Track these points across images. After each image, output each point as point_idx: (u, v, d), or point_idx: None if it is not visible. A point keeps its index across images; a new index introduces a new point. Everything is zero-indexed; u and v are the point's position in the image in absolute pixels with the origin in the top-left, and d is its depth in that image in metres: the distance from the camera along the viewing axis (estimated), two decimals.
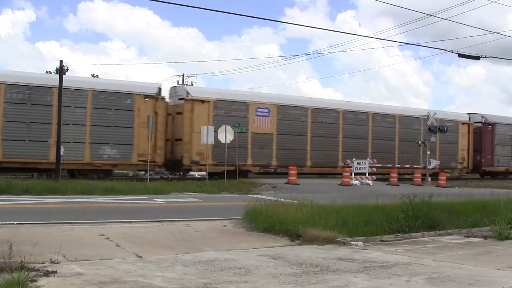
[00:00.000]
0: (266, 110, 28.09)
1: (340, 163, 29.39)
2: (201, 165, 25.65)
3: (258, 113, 27.84)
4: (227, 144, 23.90)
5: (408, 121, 33.08)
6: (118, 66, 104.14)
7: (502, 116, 39.05)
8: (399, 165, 30.31)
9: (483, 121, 36.52)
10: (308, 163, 29.20)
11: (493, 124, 36.65)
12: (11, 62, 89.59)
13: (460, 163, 35.23)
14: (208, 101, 26.35)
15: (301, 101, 30.15)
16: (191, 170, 26.79)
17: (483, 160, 36.06)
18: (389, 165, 29.59)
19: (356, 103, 34.02)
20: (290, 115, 28.86)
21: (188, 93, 26.83)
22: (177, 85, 27.30)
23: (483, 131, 36.28)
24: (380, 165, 28.39)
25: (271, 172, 28.37)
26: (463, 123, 35.56)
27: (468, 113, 37.24)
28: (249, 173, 27.49)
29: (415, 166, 29.90)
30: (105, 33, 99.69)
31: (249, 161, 27.39)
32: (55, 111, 22.46)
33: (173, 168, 27.90)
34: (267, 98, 29.27)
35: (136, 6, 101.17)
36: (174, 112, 27.07)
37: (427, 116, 30.74)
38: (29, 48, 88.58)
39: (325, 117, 30.05)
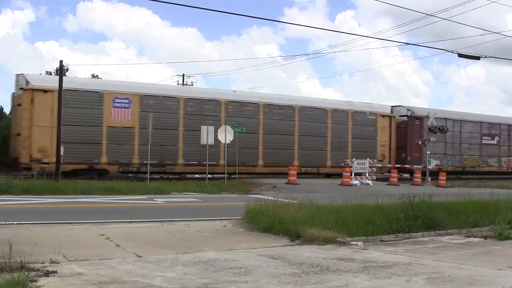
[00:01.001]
0: (126, 101, 24.59)
1: (222, 161, 25.41)
2: (43, 163, 22.70)
3: (116, 105, 24.35)
4: (78, 139, 22.76)
5: (339, 116, 30.07)
6: (117, 66, 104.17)
7: (433, 108, 34.85)
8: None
9: (409, 114, 32.66)
10: (180, 161, 25.68)
11: (421, 118, 32.31)
12: (10, 62, 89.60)
13: (380, 160, 30.68)
14: (52, 91, 22.68)
15: (171, 91, 27.12)
16: (31, 169, 23.02)
17: (408, 158, 31.62)
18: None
19: (244, 92, 30.93)
20: (158, 106, 25.25)
21: (27, 81, 23.39)
22: (20, 73, 24.03)
23: (409, 126, 32.24)
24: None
25: (134, 171, 25.04)
26: (383, 116, 31.54)
27: (393, 106, 33.60)
28: (107, 173, 24.00)
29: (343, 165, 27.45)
30: (105, 33, 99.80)
31: (104, 159, 24.02)
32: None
33: (11, 167, 23.96)
34: (127, 87, 25.43)
35: (135, 6, 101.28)
36: (16, 104, 24.22)
37: (428, 115, 30.64)
38: (29, 48, 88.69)
39: (204, 109, 26.30)
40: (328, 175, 30.03)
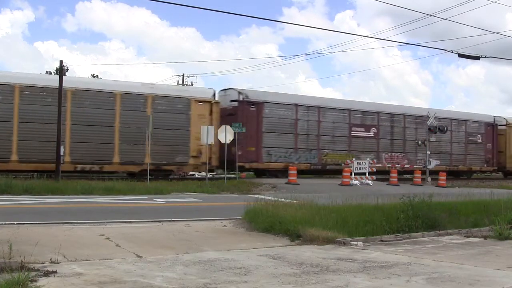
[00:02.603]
0: None
1: (15, 157, 22.20)
2: None
3: None
4: None
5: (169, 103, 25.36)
6: (116, 66, 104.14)
7: (275, 92, 30.08)
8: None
9: (241, 98, 26.92)
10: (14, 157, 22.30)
11: (258, 104, 27.09)
12: (10, 62, 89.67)
13: (195, 157, 25.57)
14: None
15: None
16: None
17: (239, 153, 25.79)
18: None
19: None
20: None
21: None
22: None
23: (240, 112, 26.66)
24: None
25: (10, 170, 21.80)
26: (200, 102, 25.77)
27: (224, 89, 28.45)
28: None
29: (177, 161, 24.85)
30: (104, 33, 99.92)
31: None
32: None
33: None
34: None
35: (134, 6, 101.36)
36: None
37: (427, 115, 30.55)
38: (28, 48, 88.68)
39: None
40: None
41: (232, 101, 27.18)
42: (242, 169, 27.21)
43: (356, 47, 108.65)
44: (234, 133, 24.49)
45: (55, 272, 6.01)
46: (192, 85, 46.20)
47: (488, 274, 6.66)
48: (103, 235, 9.23)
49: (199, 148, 25.39)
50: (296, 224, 9.57)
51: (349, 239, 9.06)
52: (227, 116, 26.65)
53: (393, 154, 31.93)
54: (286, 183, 23.78)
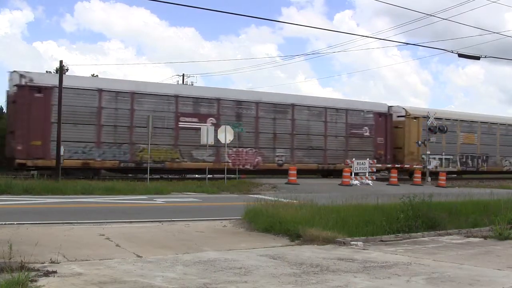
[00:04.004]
0: None
1: None
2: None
3: None
4: None
5: None
6: (116, 66, 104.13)
7: (71, 75, 26.45)
8: None
9: (23, 83, 22.59)
10: None
11: (47, 89, 22.81)
12: (9, 62, 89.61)
13: None
14: None
15: None
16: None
17: (18, 148, 22.05)
18: None
19: None
20: None
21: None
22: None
23: (20, 100, 22.60)
24: None
25: None
26: None
27: (10, 72, 23.85)
28: None
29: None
30: (103, 33, 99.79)
31: None
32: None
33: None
34: None
35: (133, 6, 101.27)
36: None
37: (428, 116, 30.53)
38: (27, 48, 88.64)
39: None
40: None
41: (15, 85, 22.99)
42: (24, 167, 23.06)
43: (355, 47, 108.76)
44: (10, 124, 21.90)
45: (55, 272, 6.02)
46: (192, 84, 46.10)
47: (488, 274, 6.66)
48: (103, 235, 9.23)
49: None
50: (296, 224, 9.56)
51: (349, 239, 9.06)
52: (12, 104, 23.40)
53: (240, 149, 26.65)
54: (286, 183, 23.80)
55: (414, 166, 29.76)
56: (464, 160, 34.71)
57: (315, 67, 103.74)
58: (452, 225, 11.10)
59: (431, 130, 29.81)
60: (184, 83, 47.13)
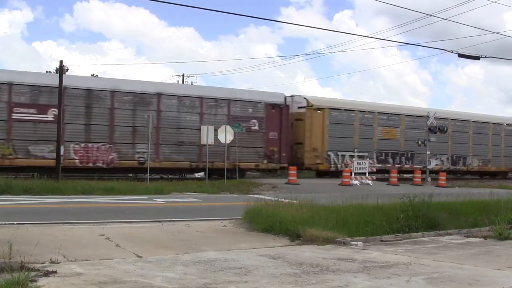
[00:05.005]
0: None
1: None
2: None
3: None
4: None
5: None
6: (116, 66, 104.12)
7: None
8: None
9: None
10: None
11: None
12: (8, 62, 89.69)
13: None
14: None
15: None
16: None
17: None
18: None
19: None
20: None
21: None
22: None
23: None
24: None
25: None
26: None
27: None
28: None
29: None
30: (102, 33, 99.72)
31: None
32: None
33: None
34: None
35: (132, 6, 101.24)
36: None
37: (428, 115, 30.49)
38: (26, 48, 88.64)
39: None
40: None
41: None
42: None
43: (355, 47, 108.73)
44: None
45: (55, 272, 6.02)
46: (192, 84, 46.05)
47: (488, 274, 6.66)
48: (103, 235, 9.23)
49: None
50: (296, 224, 9.57)
51: (349, 239, 9.06)
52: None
53: (89, 145, 23.31)
54: (286, 183, 23.82)
55: (317, 164, 27.45)
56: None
57: (315, 67, 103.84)
58: (452, 225, 11.11)
59: (431, 130, 29.85)
60: (184, 83, 47.03)
